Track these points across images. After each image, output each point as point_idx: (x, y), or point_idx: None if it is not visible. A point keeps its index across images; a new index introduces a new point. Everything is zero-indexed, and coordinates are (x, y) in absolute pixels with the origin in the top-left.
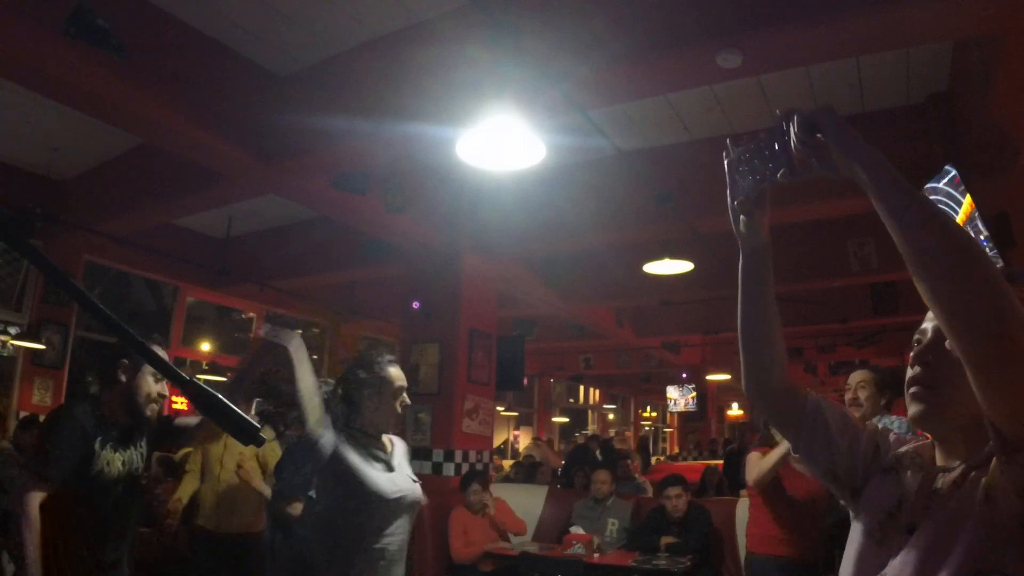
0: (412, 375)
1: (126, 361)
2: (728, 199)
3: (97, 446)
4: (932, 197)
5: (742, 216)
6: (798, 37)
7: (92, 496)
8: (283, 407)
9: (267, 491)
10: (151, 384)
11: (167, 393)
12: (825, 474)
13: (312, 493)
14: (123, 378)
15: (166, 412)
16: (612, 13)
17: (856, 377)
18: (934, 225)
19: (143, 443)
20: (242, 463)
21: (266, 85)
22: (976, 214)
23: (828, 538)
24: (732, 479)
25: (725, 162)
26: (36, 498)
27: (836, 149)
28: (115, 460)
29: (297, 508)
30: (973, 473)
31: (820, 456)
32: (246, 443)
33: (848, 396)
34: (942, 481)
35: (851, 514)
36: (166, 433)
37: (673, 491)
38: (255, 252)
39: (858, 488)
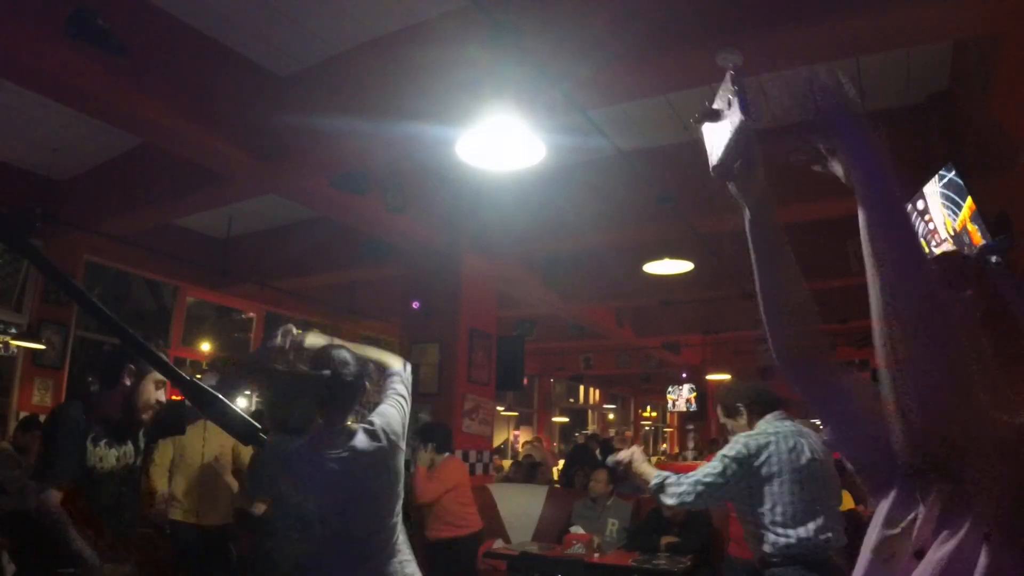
0: (412, 375)
1: (132, 366)
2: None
3: (89, 443)
4: (936, 195)
5: (729, 182)
6: (798, 37)
7: (87, 490)
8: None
9: (235, 485)
10: (152, 391)
11: (164, 400)
12: (852, 462)
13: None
14: (127, 382)
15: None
16: (612, 13)
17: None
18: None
19: (141, 437)
20: (220, 456)
21: (266, 85)
22: (977, 213)
23: None
24: None
25: (702, 128)
26: (55, 496)
27: (848, 162)
28: (108, 456)
29: (260, 508)
30: None
31: (845, 442)
32: (247, 443)
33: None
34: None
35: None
36: (165, 424)
37: None
38: (255, 252)
39: (880, 487)
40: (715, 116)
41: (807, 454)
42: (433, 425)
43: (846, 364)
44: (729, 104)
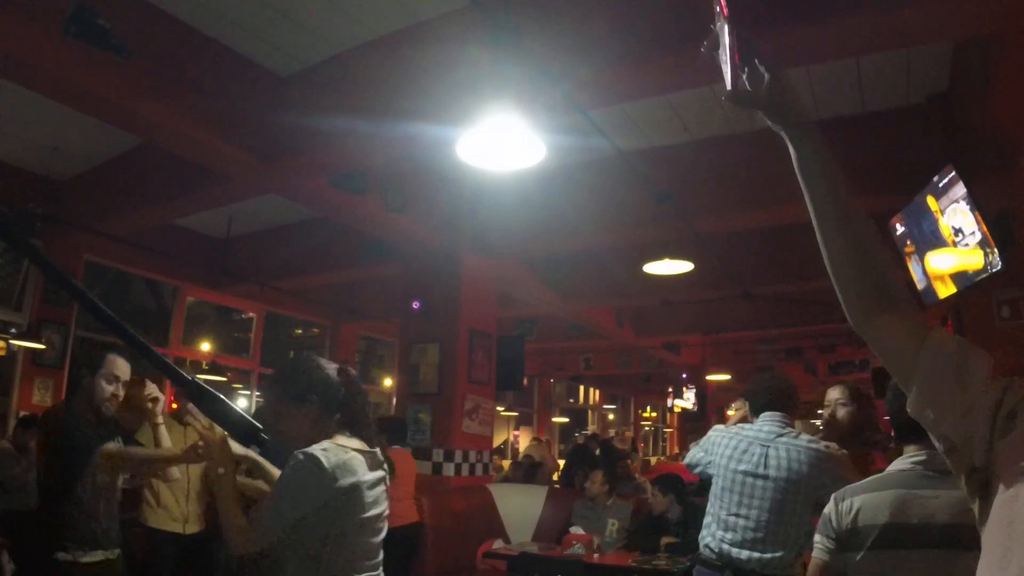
0: (412, 375)
1: (85, 370)
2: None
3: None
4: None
5: (751, 108)
6: (798, 37)
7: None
8: None
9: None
10: (104, 387)
11: (121, 394)
12: (939, 439)
13: None
14: (84, 383)
15: (166, 411)
16: (612, 13)
17: (833, 394)
18: None
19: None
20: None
21: (266, 85)
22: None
23: None
24: None
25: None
26: None
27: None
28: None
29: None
30: None
31: (929, 414)
32: (247, 443)
33: (826, 413)
34: None
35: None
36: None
37: (651, 490)
38: (255, 252)
39: (979, 471)
40: (717, 44)
41: (749, 465)
42: (387, 419)
43: (923, 318)
44: (719, 27)
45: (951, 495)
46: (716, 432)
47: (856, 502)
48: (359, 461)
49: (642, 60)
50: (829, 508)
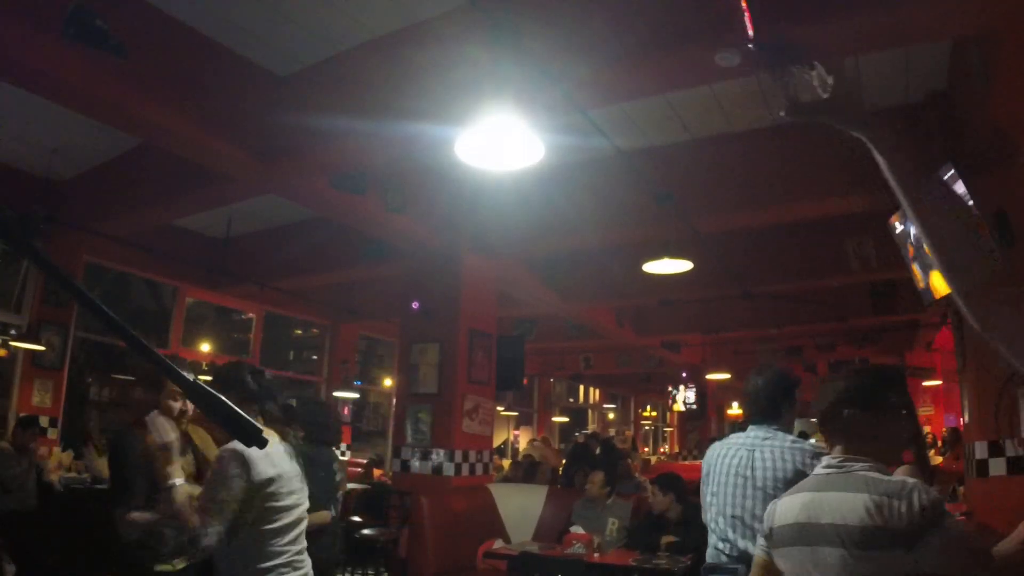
0: (412, 375)
1: (141, 390)
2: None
3: None
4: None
5: (810, 118)
6: (798, 36)
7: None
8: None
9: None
10: (172, 405)
11: (189, 408)
12: None
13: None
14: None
15: None
16: (612, 13)
17: None
18: None
19: None
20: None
21: (266, 85)
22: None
23: None
24: None
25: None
26: None
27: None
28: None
29: (324, 516)
30: None
31: None
32: (249, 444)
33: None
34: None
35: None
36: None
37: (651, 488)
38: (255, 252)
39: None
40: (763, 65)
41: (739, 464)
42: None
43: None
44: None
45: (853, 497)
46: (711, 450)
47: (778, 505)
48: (280, 453)
49: (642, 60)
50: (766, 511)
